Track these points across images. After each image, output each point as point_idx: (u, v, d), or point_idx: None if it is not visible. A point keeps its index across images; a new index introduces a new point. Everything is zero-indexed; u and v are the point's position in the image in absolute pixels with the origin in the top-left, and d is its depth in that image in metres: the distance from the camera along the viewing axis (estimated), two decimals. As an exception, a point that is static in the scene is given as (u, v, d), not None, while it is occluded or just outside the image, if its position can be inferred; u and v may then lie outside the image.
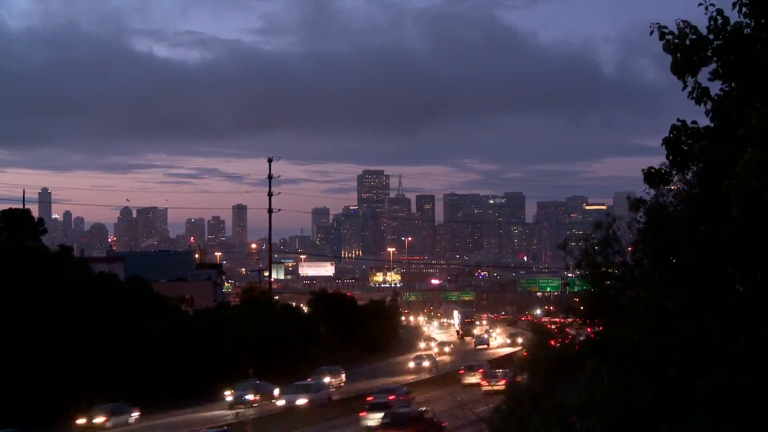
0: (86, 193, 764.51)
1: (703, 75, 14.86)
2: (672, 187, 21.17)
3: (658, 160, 17.62)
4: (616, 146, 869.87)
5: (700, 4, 14.19)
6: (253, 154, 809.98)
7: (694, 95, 14.71)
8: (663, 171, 16.72)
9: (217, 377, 74.57)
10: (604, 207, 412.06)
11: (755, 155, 12.31)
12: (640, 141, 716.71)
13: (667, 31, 14.44)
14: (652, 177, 16.87)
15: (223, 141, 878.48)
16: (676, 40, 14.33)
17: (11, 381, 60.22)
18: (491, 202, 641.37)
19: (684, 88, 14.71)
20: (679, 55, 14.31)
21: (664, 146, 15.91)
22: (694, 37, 14.27)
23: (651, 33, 14.48)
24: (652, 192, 22.15)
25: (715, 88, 15.15)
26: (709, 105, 14.84)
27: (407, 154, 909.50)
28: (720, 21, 14.06)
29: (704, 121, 15.81)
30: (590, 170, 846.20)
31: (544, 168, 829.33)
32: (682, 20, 14.49)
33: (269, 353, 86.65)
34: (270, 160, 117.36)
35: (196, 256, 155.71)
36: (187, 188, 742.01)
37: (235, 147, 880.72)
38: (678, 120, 15.92)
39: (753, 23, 13.96)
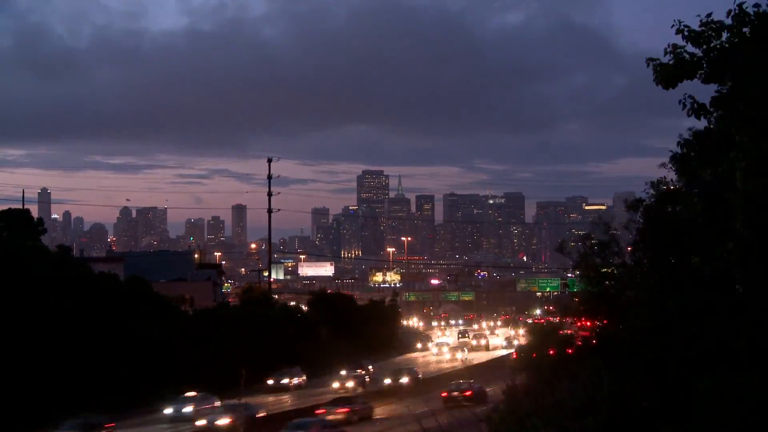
0: (94, 193, 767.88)
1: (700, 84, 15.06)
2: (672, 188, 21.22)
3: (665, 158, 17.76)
4: (628, 147, 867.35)
5: (698, 15, 14.43)
6: (263, 155, 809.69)
7: (692, 111, 14.84)
8: (674, 191, 16.94)
9: (217, 377, 74.57)
10: (603, 207, 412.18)
11: (748, 166, 12.45)
12: (651, 142, 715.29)
13: (656, 63, 14.81)
14: (664, 198, 17.09)
15: (236, 141, 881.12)
16: (659, 68, 14.74)
17: (9, 381, 60.16)
18: (491, 202, 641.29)
19: (683, 108, 14.85)
20: (661, 70, 14.64)
21: (670, 164, 16.08)
22: (682, 56, 14.55)
23: (648, 65, 14.80)
24: (651, 192, 22.16)
25: (712, 90, 15.27)
26: (708, 117, 14.99)
27: (417, 154, 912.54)
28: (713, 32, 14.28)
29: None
30: (600, 170, 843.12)
31: (554, 169, 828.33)
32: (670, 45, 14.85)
33: (269, 353, 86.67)
34: (270, 160, 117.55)
35: (196, 256, 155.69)
36: (196, 188, 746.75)
37: (246, 147, 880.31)
38: (690, 130, 16.12)
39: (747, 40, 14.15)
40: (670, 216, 20.56)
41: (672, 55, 14.49)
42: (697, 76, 14.44)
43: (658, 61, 14.65)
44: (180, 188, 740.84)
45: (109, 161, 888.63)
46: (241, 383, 74.50)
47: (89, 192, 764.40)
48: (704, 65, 14.27)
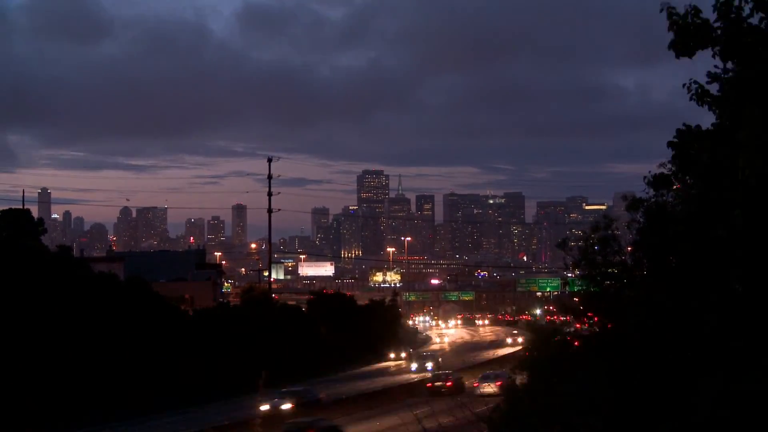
0: (105, 193, 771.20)
1: (707, 66, 14.93)
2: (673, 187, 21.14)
3: None
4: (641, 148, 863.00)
5: None
6: (278, 154, 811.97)
7: (695, 95, 14.75)
8: (668, 174, 16.74)
9: (217, 378, 74.58)
10: (603, 207, 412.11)
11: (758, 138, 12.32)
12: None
13: (674, 11, 14.54)
14: (657, 182, 16.91)
15: (256, 142, 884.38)
16: (680, 21, 14.43)
17: (6, 383, 60.09)
18: (491, 202, 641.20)
19: (687, 91, 14.75)
20: (678, 35, 14.41)
21: (669, 148, 15.97)
22: (699, 21, 14.37)
23: (661, 10, 14.57)
24: (651, 191, 22.11)
25: (715, 87, 15.19)
26: (710, 103, 14.88)
27: (436, 155, 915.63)
28: (722, 7, 14.15)
29: (708, 123, 15.88)
30: (617, 171, 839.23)
31: (569, 170, 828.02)
32: (691, 6, 14.60)
33: (269, 353, 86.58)
34: (270, 160, 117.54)
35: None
36: (213, 188, 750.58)
37: (266, 147, 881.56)
38: (684, 124, 16.00)
39: (760, 14, 14.00)
40: (663, 204, 20.52)
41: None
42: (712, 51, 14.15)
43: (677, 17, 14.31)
44: (198, 188, 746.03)
45: (129, 162, 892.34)
46: (260, 385, 73.93)
47: (103, 192, 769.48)
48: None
